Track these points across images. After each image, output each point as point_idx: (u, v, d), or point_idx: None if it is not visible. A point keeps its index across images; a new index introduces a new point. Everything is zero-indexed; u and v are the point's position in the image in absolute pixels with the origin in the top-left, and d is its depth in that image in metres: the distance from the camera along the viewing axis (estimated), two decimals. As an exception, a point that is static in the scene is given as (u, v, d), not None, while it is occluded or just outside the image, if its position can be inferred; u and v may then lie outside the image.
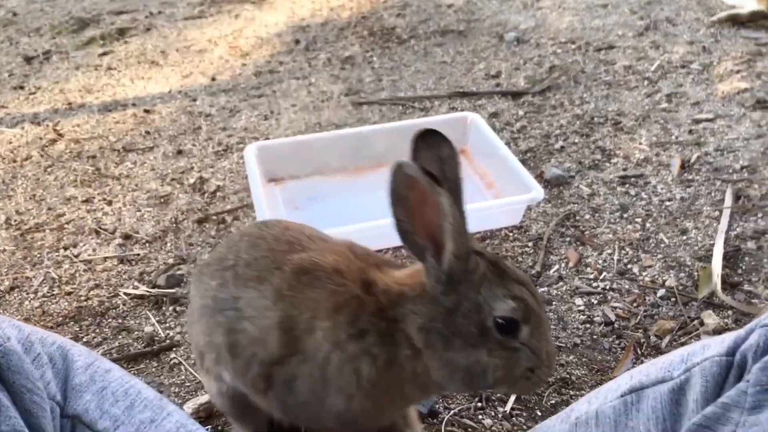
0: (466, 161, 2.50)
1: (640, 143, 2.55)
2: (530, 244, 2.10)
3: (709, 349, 0.75)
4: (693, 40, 3.25)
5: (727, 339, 0.74)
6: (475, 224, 2.15)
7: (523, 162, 2.46)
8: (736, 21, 3.32)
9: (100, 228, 2.28)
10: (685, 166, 2.39)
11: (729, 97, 2.78)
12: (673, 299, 1.85)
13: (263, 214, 1.98)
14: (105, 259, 2.14)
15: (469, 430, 1.53)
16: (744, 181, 2.29)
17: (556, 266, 2.00)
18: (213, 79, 3.29)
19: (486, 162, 2.41)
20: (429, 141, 1.15)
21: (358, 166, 2.47)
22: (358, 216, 2.06)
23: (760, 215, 2.13)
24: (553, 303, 1.87)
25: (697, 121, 2.64)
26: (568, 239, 2.11)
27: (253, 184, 2.13)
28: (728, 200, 2.20)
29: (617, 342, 1.74)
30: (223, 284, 1.25)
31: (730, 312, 1.78)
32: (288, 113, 2.93)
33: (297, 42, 3.60)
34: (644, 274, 1.94)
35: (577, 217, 2.20)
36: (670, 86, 2.90)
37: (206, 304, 1.26)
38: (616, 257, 2.01)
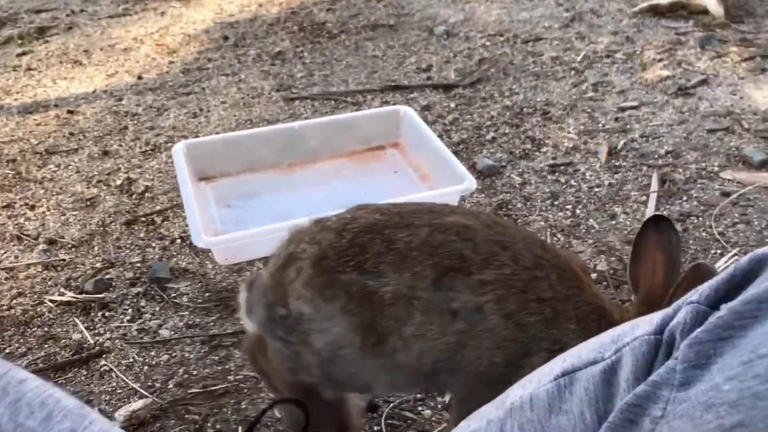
0: (400, 154, 2.50)
1: (569, 132, 2.59)
2: (465, 234, 2.11)
3: (638, 328, 0.76)
4: (617, 30, 3.33)
5: (656, 318, 0.75)
6: (410, 217, 2.17)
7: (456, 153, 2.47)
8: (657, 11, 3.42)
9: (23, 234, 2.18)
10: (612, 153, 2.45)
11: (652, 84, 2.87)
12: (604, 283, 1.89)
13: (193, 213, 1.93)
14: (28, 266, 2.06)
15: (409, 422, 1.53)
16: (669, 165, 2.36)
17: (491, 255, 2.02)
18: (139, 77, 3.20)
19: (420, 154, 2.42)
20: (661, 227, 1.28)
21: (291, 162, 2.43)
22: (293, 212, 2.04)
23: (684, 198, 2.20)
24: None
25: (623, 109, 2.71)
26: (502, 228, 2.13)
27: (181, 183, 2.08)
28: (654, 185, 2.26)
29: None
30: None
31: (658, 293, 1.83)
32: (218, 110, 2.87)
33: (226, 38, 3.53)
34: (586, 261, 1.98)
35: (510, 206, 2.22)
36: (596, 76, 2.96)
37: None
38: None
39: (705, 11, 3.36)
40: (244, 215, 2.22)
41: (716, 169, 2.33)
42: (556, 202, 2.22)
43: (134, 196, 2.35)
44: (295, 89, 3.01)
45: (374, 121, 2.53)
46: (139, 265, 2.05)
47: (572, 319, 1.22)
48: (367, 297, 1.14)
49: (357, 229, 1.19)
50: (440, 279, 1.14)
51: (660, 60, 3.04)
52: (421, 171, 2.38)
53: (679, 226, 2.07)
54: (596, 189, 2.28)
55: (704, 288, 0.71)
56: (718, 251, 1.98)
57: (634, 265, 1.29)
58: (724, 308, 0.68)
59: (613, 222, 2.12)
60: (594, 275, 1.91)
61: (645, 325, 0.76)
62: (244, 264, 2.03)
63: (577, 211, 2.18)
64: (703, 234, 2.04)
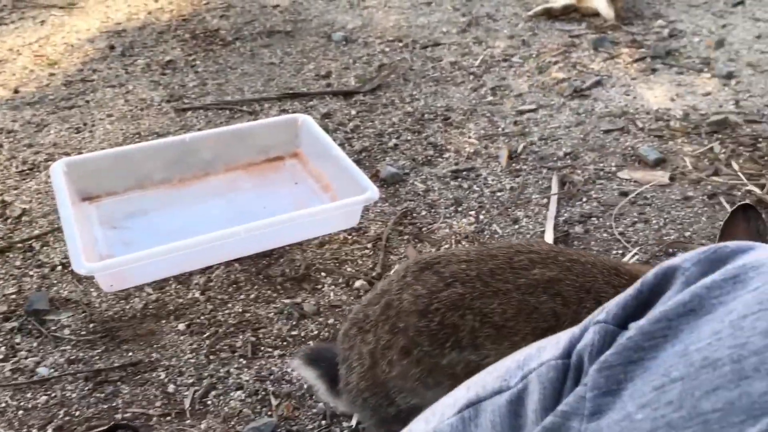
0: (300, 164, 2.41)
1: (470, 137, 2.57)
2: (369, 245, 2.04)
3: (544, 351, 0.69)
4: (513, 34, 3.36)
5: (563, 339, 0.69)
6: (312, 229, 2.08)
7: (359, 162, 2.41)
8: (551, 15, 3.47)
9: None
10: (512, 157, 2.44)
11: (549, 87, 2.89)
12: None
13: (72, 237, 1.78)
14: None
15: (316, 450, 1.44)
16: (568, 167, 2.37)
17: (396, 266, 1.96)
18: (16, 91, 2.96)
19: (320, 164, 2.33)
20: (749, 214, 1.25)
21: (182, 176, 2.30)
22: (186, 231, 1.92)
23: (584, 199, 2.21)
24: (395, 305, 1.82)
25: (521, 113, 2.72)
26: (406, 237, 2.07)
27: (60, 205, 1.91)
28: (555, 187, 2.26)
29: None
30: None
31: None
32: (103, 124, 2.69)
33: (112, 48, 3.33)
34: (482, 266, 1.94)
35: (414, 214, 2.17)
36: (494, 80, 2.97)
37: None
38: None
39: (596, 14, 3.44)
40: (133, 237, 2.07)
41: (614, 169, 2.35)
42: (459, 209, 2.19)
43: (9, 221, 2.15)
44: (187, 99, 2.87)
45: (272, 131, 2.43)
46: (14, 297, 1.87)
47: None
48: (472, 373, 1.10)
49: (443, 309, 1.14)
50: (538, 340, 1.13)
51: (555, 63, 3.07)
52: (322, 181, 2.30)
53: (580, 228, 2.07)
54: (499, 193, 2.26)
55: (611, 305, 0.66)
56: (620, 251, 1.99)
57: None
58: (633, 327, 0.63)
59: (516, 226, 2.10)
60: (500, 282, 1.88)
61: (551, 347, 0.70)
62: (132, 290, 1.89)
63: (481, 217, 2.15)
64: (604, 234, 2.05)
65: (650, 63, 3.04)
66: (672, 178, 2.29)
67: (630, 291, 0.66)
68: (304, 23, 3.58)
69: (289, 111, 2.75)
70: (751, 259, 0.63)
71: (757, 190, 2.21)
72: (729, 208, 2.12)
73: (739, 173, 2.30)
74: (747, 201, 1.33)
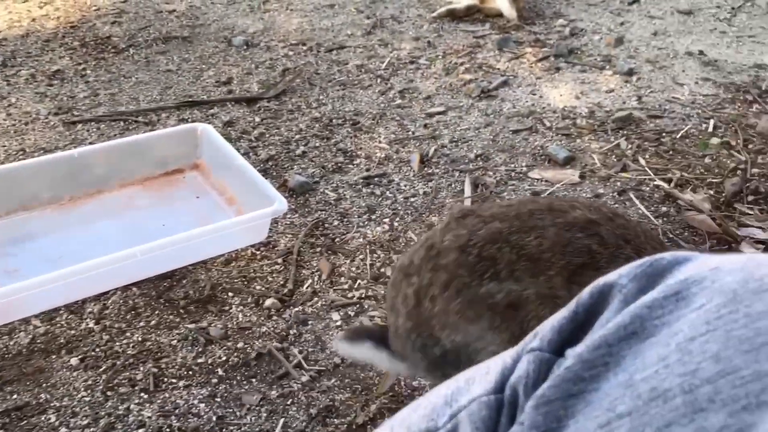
0: (202, 177, 2.27)
1: (380, 142, 2.50)
2: (280, 260, 1.93)
3: (474, 385, 0.62)
4: (418, 35, 3.32)
5: (493, 370, 0.61)
6: (217, 246, 1.95)
7: (265, 171, 2.30)
8: (455, 16, 3.46)
9: None
10: (424, 161, 2.39)
11: (456, 89, 2.86)
12: (429, 298, 1.79)
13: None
14: None
15: None
16: (479, 169, 2.34)
17: (309, 280, 1.86)
18: None
19: (223, 175, 2.20)
20: None
21: (73, 195, 2.12)
22: (78, 255, 1.76)
23: (497, 201, 2.17)
24: (310, 322, 1.72)
25: (431, 115, 2.67)
26: (319, 249, 1.98)
27: (-72, 234, 1.71)
28: (467, 190, 2.22)
29: (379, 354, 1.63)
30: None
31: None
32: (-18, 141, 2.46)
33: (-9, 57, 3.08)
34: (398, 276, 1.87)
35: (326, 225, 2.08)
36: (401, 82, 2.91)
37: None
38: (368, 262, 1.92)
39: (499, 14, 3.45)
40: (18, 263, 1.88)
41: (524, 169, 2.34)
42: (373, 216, 2.11)
43: None
44: (77, 111, 2.67)
45: (170, 142, 2.28)
46: None
47: None
48: (512, 305, 1.13)
49: (482, 242, 1.17)
50: (574, 276, 1.14)
51: (462, 64, 3.05)
52: (227, 194, 2.17)
53: (496, 231, 2.03)
54: (412, 199, 2.19)
55: (545, 330, 0.59)
56: (536, 252, 1.96)
57: None
58: (571, 355, 0.56)
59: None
60: (418, 291, 1.81)
61: (481, 380, 0.62)
62: (17, 323, 1.71)
63: (395, 224, 2.08)
64: (520, 236, 2.02)
65: (554, 62, 3.06)
66: (582, 176, 2.29)
67: (564, 312, 0.60)
68: (202, 28, 3.42)
69: (188, 120, 2.60)
70: (692, 272, 0.57)
71: (665, 185, 2.24)
72: (638, 203, 2.14)
73: (647, 168, 2.33)
74: None
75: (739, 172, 2.30)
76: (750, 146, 2.45)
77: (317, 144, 2.48)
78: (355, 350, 1.33)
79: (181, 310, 1.76)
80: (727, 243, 2.02)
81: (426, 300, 1.19)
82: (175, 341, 1.67)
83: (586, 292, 0.59)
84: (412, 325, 1.21)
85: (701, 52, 3.15)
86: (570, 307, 0.59)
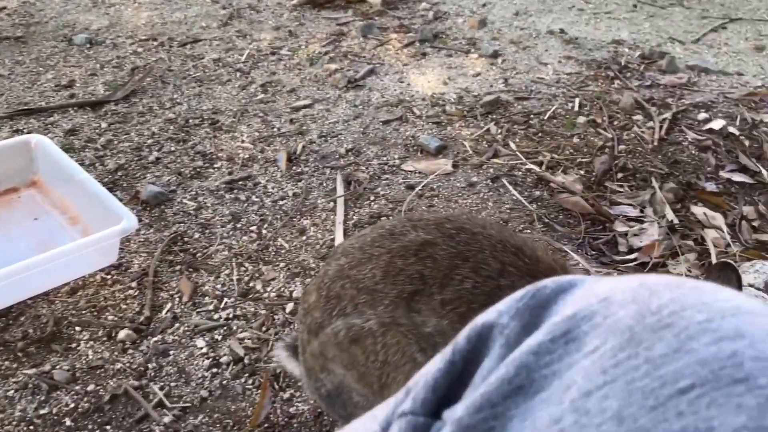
0: (41, 195, 2.02)
1: (243, 141, 2.33)
2: (134, 284, 1.73)
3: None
4: (278, 25, 3.15)
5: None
6: (61, 275, 1.73)
7: (115, 183, 2.08)
8: (315, 3, 3.31)
9: None
10: (292, 159, 2.24)
11: (322, 80, 2.72)
12: (303, 311, 1.66)
13: None
14: None
15: None
16: (351, 165, 2.22)
17: (169, 304, 1.67)
18: None
19: (64, 192, 1.97)
20: (728, 276, 1.14)
21: None
22: None
23: (372, 198, 2.06)
24: (171, 353, 1.55)
25: (296, 109, 2.52)
26: (178, 267, 1.79)
27: None
28: (340, 188, 2.10)
29: (251, 381, 1.48)
30: None
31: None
32: None
33: None
34: (269, 289, 1.72)
35: (186, 239, 1.89)
36: (263, 75, 2.74)
37: None
38: (235, 277, 1.76)
39: (362, 0, 3.33)
40: None
41: (397, 161, 2.24)
42: (238, 225, 1.95)
43: None
44: None
45: (0, 157, 2.01)
46: None
47: None
48: (355, 340, 1.12)
49: (329, 281, 1.17)
50: (410, 303, 1.11)
51: (326, 53, 2.91)
52: (69, 213, 1.93)
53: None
54: (281, 202, 2.04)
55: (418, 387, 0.48)
56: (414, 250, 1.87)
57: None
58: (450, 420, 0.45)
59: (304, 237, 1.90)
60: (291, 305, 1.67)
61: None
62: None
63: (264, 231, 1.92)
64: (396, 234, 1.91)
65: (419, 47, 2.99)
66: (455, 165, 2.22)
67: (439, 363, 0.49)
68: (38, 26, 3.10)
69: (23, 131, 2.32)
70: (580, 305, 0.47)
71: (537, 168, 2.21)
72: (512, 189, 2.09)
73: (517, 152, 2.29)
74: (725, 259, 1.27)
75: (606, 150, 2.31)
76: (615, 123, 2.47)
77: (172, 148, 2.28)
78: (293, 367, 1.30)
79: (19, 354, 1.53)
80: (601, 223, 2.01)
81: (305, 346, 1.21)
82: (12, 391, 1.45)
83: (462, 337, 0.49)
84: (304, 369, 1.23)
85: (562, 31, 3.18)
86: (446, 355, 0.48)
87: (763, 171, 2.25)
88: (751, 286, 1.76)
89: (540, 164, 2.23)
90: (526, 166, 2.22)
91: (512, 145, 2.32)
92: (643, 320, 0.44)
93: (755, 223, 2.08)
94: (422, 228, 1.16)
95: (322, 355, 1.17)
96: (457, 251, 1.12)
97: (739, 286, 1.19)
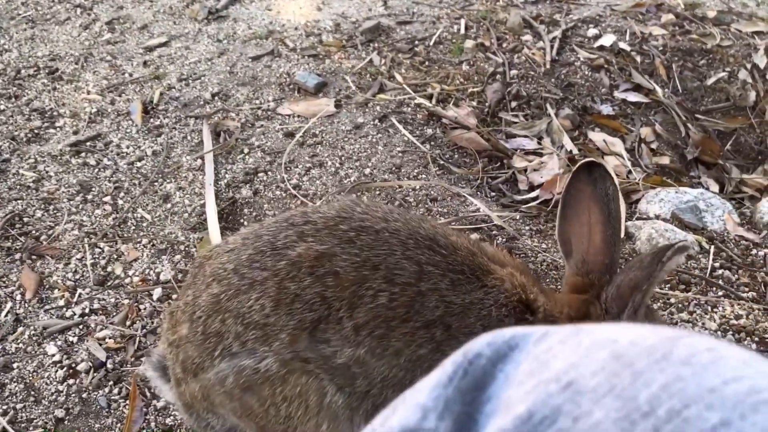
0: None
1: (89, 92, 2.00)
2: (-38, 282, 1.44)
3: None
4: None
5: None
6: None
7: (-69, 156, 1.72)
8: None
9: None
10: (148, 110, 1.94)
11: (179, 12, 2.39)
12: (175, 296, 1.42)
13: None
14: None
15: None
16: (219, 112, 1.95)
17: (9, 304, 1.40)
18: None
19: None
20: (594, 175, 1.01)
21: None
22: None
23: (246, 151, 1.82)
24: (15, 365, 1.29)
25: (150, 49, 2.20)
26: (18, 256, 1.50)
27: None
28: (208, 142, 1.83)
29: (117, 390, 1.25)
30: None
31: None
32: None
33: None
34: (131, 273, 1.47)
35: (26, 218, 1.59)
36: (108, 11, 2.37)
37: None
38: (89, 261, 1.49)
39: None
40: None
41: (272, 104, 1.99)
42: (89, 197, 1.66)
43: None
44: None
45: None
46: None
47: (478, 330, 0.91)
48: (249, 388, 0.90)
49: (204, 315, 0.94)
50: (316, 333, 0.90)
51: (181, -20, 2.56)
52: None
53: (247, 190, 1.69)
54: (138, 164, 1.76)
55: None
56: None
57: (563, 224, 1.03)
58: None
59: (169, 205, 1.65)
60: (159, 290, 1.43)
61: None
62: None
63: (120, 202, 1.65)
64: (277, 192, 1.69)
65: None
66: (338, 105, 1.99)
67: None
68: None
69: None
70: (535, 396, 0.37)
71: (427, 102, 2.02)
72: (402, 129, 1.90)
73: (405, 85, 2.08)
74: (592, 158, 1.07)
75: (498, 76, 2.14)
76: (504, 45, 2.30)
77: (2, 107, 1.92)
78: (166, 391, 1.07)
79: None
80: (498, 159, 1.86)
81: (181, 381, 0.99)
82: None
83: None
84: (181, 404, 1.03)
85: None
86: None
87: (657, 88, 2.16)
88: (657, 216, 1.68)
89: (430, 98, 2.04)
90: (416, 101, 2.02)
91: (398, 77, 2.12)
92: (633, 429, 0.32)
93: (653, 146, 2.00)
94: (311, 235, 0.93)
95: (206, 399, 0.96)
96: (362, 259, 0.91)
97: (614, 186, 1.05)
